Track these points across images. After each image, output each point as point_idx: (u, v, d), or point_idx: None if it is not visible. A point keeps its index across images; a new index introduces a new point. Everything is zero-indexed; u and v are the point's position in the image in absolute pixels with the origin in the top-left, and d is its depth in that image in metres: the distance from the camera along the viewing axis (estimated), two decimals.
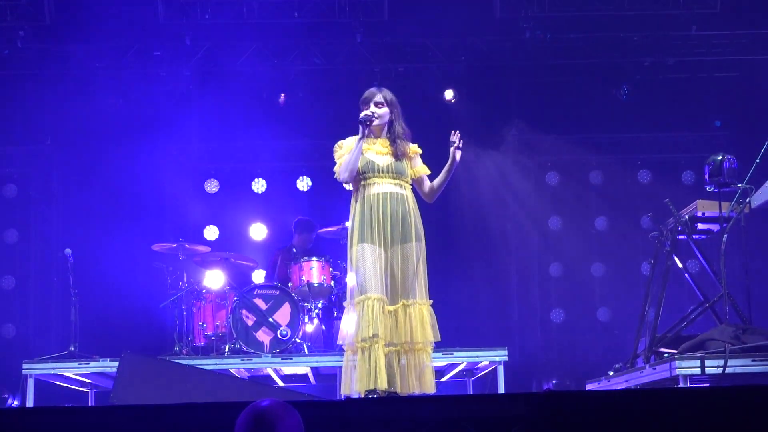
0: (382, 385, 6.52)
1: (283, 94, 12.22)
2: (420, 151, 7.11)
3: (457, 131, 6.96)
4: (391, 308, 6.75)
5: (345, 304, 6.92)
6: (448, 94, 12.27)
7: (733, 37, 12.10)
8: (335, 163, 7.02)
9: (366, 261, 6.71)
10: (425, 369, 6.79)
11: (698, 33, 11.98)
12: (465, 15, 11.71)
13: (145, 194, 11.90)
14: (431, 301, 6.90)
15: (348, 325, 6.78)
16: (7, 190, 12.45)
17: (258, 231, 12.64)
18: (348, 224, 7.05)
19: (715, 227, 8.20)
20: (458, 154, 6.94)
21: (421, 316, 6.76)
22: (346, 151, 6.93)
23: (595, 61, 12.23)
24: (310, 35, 11.93)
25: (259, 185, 12.83)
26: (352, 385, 6.63)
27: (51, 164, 12.42)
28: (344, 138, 7.05)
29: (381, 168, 6.89)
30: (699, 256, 8.41)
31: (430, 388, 6.80)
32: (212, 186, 12.82)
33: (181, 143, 12.15)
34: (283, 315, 9.87)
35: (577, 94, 12.37)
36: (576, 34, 12.03)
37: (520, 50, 12.15)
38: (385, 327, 6.65)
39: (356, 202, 6.92)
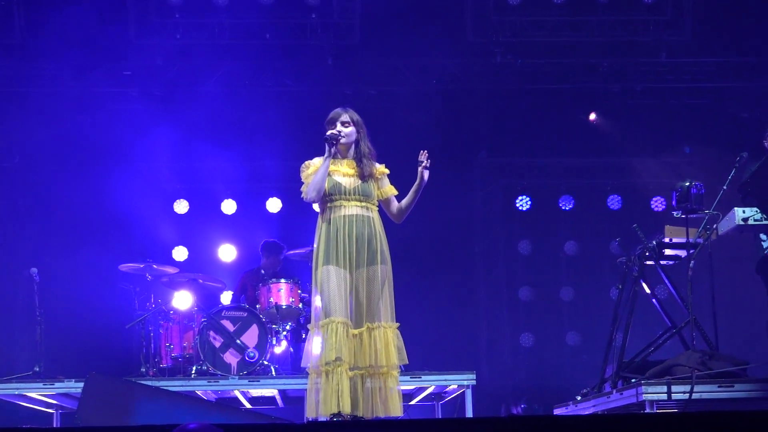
0: (346, 408, 6.49)
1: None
2: (387, 171, 7.10)
3: (425, 151, 6.96)
4: (356, 331, 6.72)
5: (310, 326, 6.89)
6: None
7: (703, 65, 12.20)
8: (303, 184, 7.01)
9: (330, 283, 6.69)
10: (391, 393, 6.75)
11: (668, 60, 12.09)
12: (436, 38, 11.77)
13: (113, 214, 11.83)
14: (398, 324, 6.88)
15: (313, 347, 6.76)
16: None
17: (227, 252, 12.59)
18: (314, 246, 7.03)
19: (682, 253, 8.22)
20: (426, 174, 6.95)
21: (385, 339, 6.73)
22: (312, 171, 6.91)
23: (565, 87, 12.30)
24: (281, 57, 11.95)
25: (228, 206, 12.77)
26: (317, 408, 6.61)
27: (18, 182, 12.31)
28: (312, 158, 7.04)
29: (348, 190, 6.87)
30: (666, 281, 8.44)
31: (397, 411, 6.77)
32: (181, 206, 12.74)
33: (151, 163, 12.09)
34: (250, 337, 9.82)
35: (547, 118, 12.43)
36: (546, 59, 12.11)
37: (491, 74, 12.22)
38: (348, 350, 6.62)
39: (322, 223, 6.91)
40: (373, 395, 6.71)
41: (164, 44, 11.78)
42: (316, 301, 6.82)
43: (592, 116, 12.38)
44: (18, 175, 12.32)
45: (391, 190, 7.08)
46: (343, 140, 6.94)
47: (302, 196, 6.97)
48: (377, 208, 7.00)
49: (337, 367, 6.55)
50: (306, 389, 6.90)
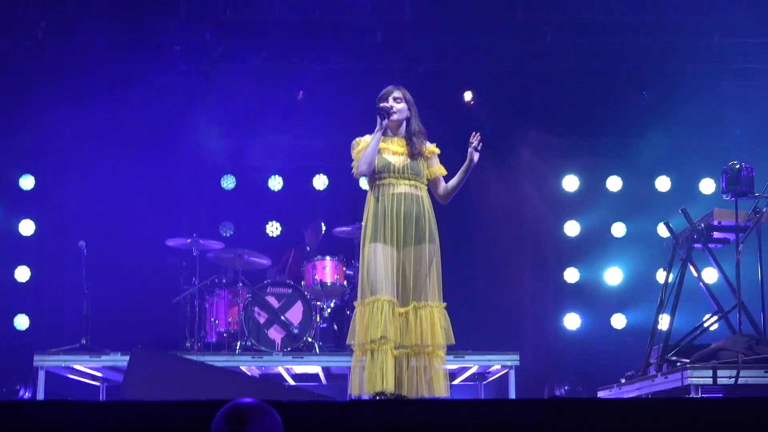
0: (390, 387, 6.49)
1: (302, 92, 12.21)
2: (438, 150, 7.08)
3: (477, 133, 6.93)
4: (402, 310, 6.72)
5: (355, 303, 6.89)
6: (467, 96, 12.21)
7: (756, 45, 12.01)
8: (352, 161, 7.00)
9: (377, 261, 6.69)
10: (437, 372, 6.74)
11: (720, 40, 11.91)
12: (486, 16, 11.66)
13: (161, 189, 11.89)
14: (444, 304, 6.87)
15: (358, 325, 6.76)
16: (23, 181, 12.46)
17: (273, 228, 12.63)
18: (362, 223, 7.03)
19: (731, 236, 8.15)
20: (476, 156, 6.91)
21: (432, 318, 6.72)
22: (363, 147, 6.91)
23: (615, 67, 12.17)
24: (330, 33, 11.89)
25: (275, 183, 12.80)
26: (361, 387, 6.61)
27: (67, 156, 12.39)
28: (362, 135, 7.04)
29: (397, 168, 6.86)
30: (714, 265, 8.36)
31: (442, 391, 6.75)
32: (228, 182, 12.79)
33: (199, 138, 12.14)
34: (295, 313, 9.87)
35: (597, 98, 12.29)
36: (597, 38, 11.97)
37: (540, 53, 12.08)
38: (394, 329, 6.62)
39: (371, 201, 6.90)
40: (417, 375, 6.71)
41: (214, 20, 11.78)
42: (363, 279, 6.82)
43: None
44: (67, 150, 12.41)
45: (439, 170, 7.05)
46: (394, 116, 6.93)
47: (353, 171, 6.97)
48: (426, 187, 6.98)
49: (383, 345, 6.54)
50: (350, 367, 6.91)
